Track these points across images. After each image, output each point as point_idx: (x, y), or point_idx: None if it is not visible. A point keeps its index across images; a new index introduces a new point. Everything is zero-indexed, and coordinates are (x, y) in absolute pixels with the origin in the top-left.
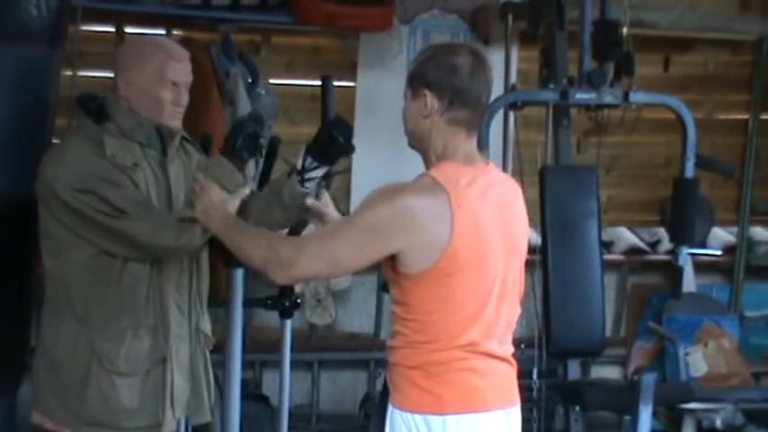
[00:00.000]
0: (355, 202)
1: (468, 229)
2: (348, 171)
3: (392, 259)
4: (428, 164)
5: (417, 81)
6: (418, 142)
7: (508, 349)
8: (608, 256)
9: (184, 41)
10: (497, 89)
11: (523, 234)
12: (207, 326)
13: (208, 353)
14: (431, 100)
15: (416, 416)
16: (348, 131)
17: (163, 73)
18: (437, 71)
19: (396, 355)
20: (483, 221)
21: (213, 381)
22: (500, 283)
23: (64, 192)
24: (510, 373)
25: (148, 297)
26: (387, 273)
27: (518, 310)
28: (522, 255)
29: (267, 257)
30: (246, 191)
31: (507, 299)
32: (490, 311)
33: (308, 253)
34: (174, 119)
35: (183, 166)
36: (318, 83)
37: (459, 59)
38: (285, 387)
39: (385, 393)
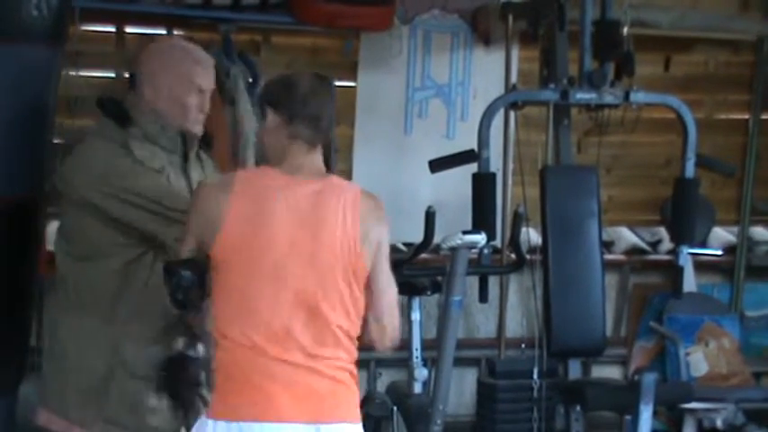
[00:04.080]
0: None
1: (246, 222)
2: (348, 171)
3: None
4: None
5: (262, 100)
6: (267, 159)
7: (328, 363)
8: (609, 256)
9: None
10: (498, 89)
11: (340, 250)
12: None
13: None
14: (272, 117)
15: (209, 420)
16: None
17: (191, 79)
18: (277, 90)
19: None
20: (272, 222)
21: None
22: (297, 294)
23: (103, 198)
24: (326, 387)
25: None
26: None
27: (338, 326)
28: (341, 269)
29: None
30: None
31: (308, 310)
32: (281, 318)
33: None
34: (197, 124)
35: (201, 172)
36: None
37: (299, 80)
38: None
39: None
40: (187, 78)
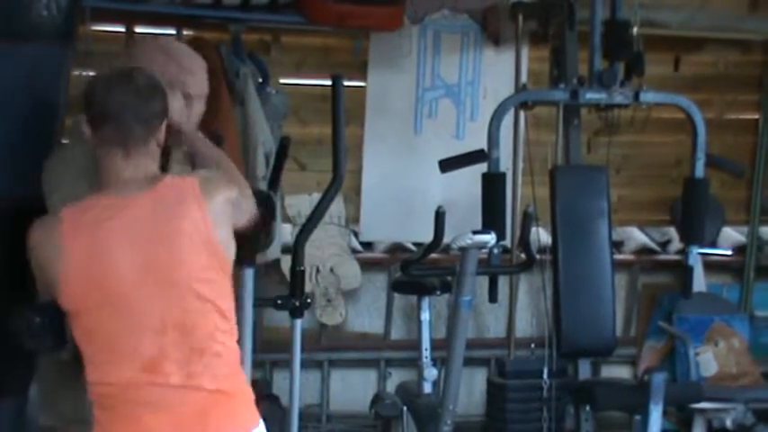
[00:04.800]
0: (366, 201)
1: (84, 264)
2: (358, 171)
3: None
4: None
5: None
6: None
7: (209, 376)
8: (618, 256)
9: (194, 41)
10: (508, 89)
11: (193, 251)
12: None
13: None
14: (85, 127)
15: None
16: None
17: (173, 85)
18: (84, 95)
19: None
20: (111, 255)
21: None
22: (161, 317)
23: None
24: (209, 402)
25: None
26: None
27: (207, 329)
28: (198, 269)
29: None
30: None
31: (174, 327)
32: (146, 345)
33: None
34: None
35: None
36: (329, 83)
37: (96, 81)
38: (295, 387)
39: None
40: (168, 85)
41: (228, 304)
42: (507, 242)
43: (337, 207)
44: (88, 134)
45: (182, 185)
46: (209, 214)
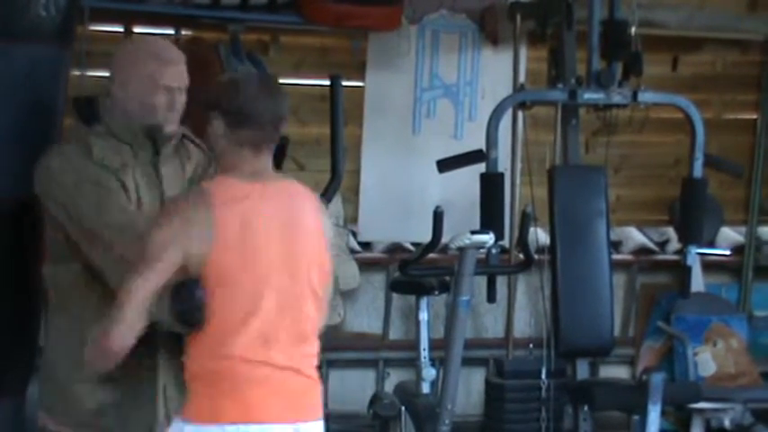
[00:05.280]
0: (364, 201)
1: (235, 235)
2: (357, 171)
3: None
4: None
5: (206, 105)
6: (218, 164)
7: (306, 362)
8: (617, 256)
9: (193, 41)
10: (506, 89)
11: (314, 247)
12: None
13: None
14: (216, 122)
15: (190, 425)
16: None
17: (155, 79)
18: (221, 95)
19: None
20: (257, 231)
21: None
22: (283, 299)
23: (47, 197)
24: (304, 386)
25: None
26: None
27: (313, 321)
28: (315, 265)
29: None
30: None
31: (290, 311)
32: (266, 323)
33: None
34: (168, 123)
35: (179, 165)
36: (327, 83)
37: (243, 83)
38: None
39: None
40: (151, 78)
41: (322, 309)
42: (505, 242)
43: (336, 207)
44: (219, 130)
45: (301, 189)
46: (323, 227)
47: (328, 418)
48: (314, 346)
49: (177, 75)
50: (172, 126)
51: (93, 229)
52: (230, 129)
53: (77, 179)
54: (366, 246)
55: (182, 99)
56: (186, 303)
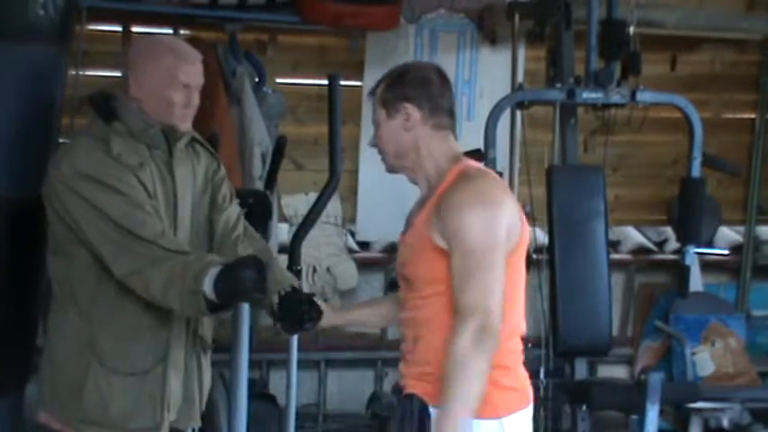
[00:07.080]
0: (363, 201)
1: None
2: (355, 171)
3: None
4: (421, 173)
5: (393, 99)
6: (403, 158)
7: None
8: (615, 256)
9: (191, 41)
10: (504, 88)
11: None
12: (206, 330)
13: (204, 357)
14: (412, 111)
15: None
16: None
17: (174, 76)
18: (413, 85)
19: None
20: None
21: (207, 386)
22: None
23: (64, 191)
24: None
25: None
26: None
27: None
28: None
29: None
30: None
31: None
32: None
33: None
34: (184, 121)
35: (191, 168)
36: (325, 82)
37: (429, 73)
38: (292, 386)
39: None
40: (170, 75)
41: None
42: None
43: (334, 207)
44: (414, 119)
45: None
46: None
47: (326, 418)
48: None
49: (194, 73)
50: (186, 124)
51: (120, 221)
52: (433, 116)
53: (98, 174)
54: (364, 245)
55: (196, 98)
56: (264, 280)
